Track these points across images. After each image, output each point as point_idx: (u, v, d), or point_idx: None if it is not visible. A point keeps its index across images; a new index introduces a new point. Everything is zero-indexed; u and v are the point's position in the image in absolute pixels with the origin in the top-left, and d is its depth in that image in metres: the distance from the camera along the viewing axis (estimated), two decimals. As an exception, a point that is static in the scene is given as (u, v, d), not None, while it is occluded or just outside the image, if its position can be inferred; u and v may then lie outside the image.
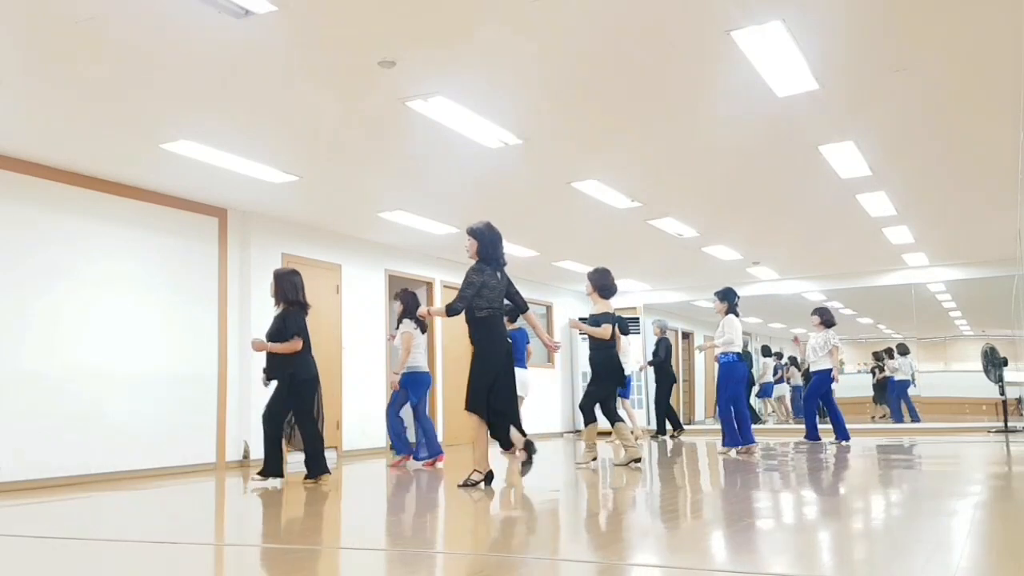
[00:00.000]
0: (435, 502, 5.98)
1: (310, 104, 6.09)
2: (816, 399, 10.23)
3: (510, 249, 10.41)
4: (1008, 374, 12.59)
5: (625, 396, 11.71)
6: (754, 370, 15.03)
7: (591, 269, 7.73)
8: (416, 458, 8.25)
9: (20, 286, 7.02)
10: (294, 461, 7.80)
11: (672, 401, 12.75)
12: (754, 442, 8.73)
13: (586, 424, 7.74)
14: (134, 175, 7.70)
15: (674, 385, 12.91)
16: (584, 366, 8.43)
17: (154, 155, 7.00)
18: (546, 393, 14.40)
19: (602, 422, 7.80)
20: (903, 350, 14.87)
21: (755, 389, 15.35)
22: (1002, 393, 12.50)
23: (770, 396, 16.52)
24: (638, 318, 15.15)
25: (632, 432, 8.30)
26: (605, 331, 7.44)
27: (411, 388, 8.11)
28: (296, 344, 6.59)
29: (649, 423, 13.74)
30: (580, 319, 8.03)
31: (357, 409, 10.14)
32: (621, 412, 8.56)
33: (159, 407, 8.02)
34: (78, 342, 7.42)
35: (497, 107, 6.23)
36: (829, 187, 8.64)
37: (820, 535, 4.08)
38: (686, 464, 8.50)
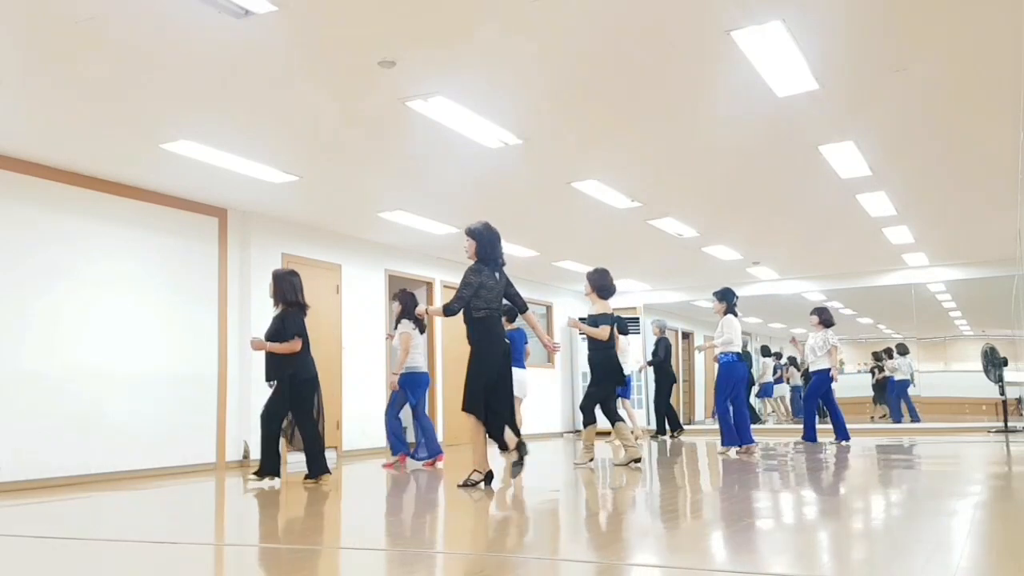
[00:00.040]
0: (435, 502, 5.98)
1: (310, 104, 6.09)
2: (816, 399, 10.23)
3: (510, 249, 10.42)
4: (1008, 374, 12.59)
5: (626, 396, 11.71)
6: (754, 370, 15.03)
7: (590, 269, 7.74)
8: (416, 458, 8.25)
9: (20, 286, 7.02)
10: (295, 461, 7.81)
11: (672, 401, 12.74)
12: (754, 442, 8.73)
13: (586, 425, 7.74)
14: (134, 175, 7.70)
15: (674, 385, 12.90)
16: (584, 366, 8.44)
17: (154, 155, 7.00)
18: (546, 393, 14.40)
19: (602, 422, 7.81)
20: (902, 350, 14.87)
21: (755, 389, 15.35)
22: (1002, 393, 12.50)
23: (771, 396, 16.53)
24: (638, 318, 15.15)
25: (632, 432, 8.31)
26: (603, 332, 7.45)
27: (409, 388, 8.11)
28: (296, 345, 6.59)
29: (649, 423, 13.74)
30: (580, 319, 8.03)
31: (357, 409, 10.14)
32: (621, 412, 8.57)
33: (159, 407, 8.02)
34: (78, 342, 7.42)
35: (497, 107, 6.23)
36: (829, 187, 8.64)
37: (820, 535, 4.08)
38: (686, 464, 8.50)
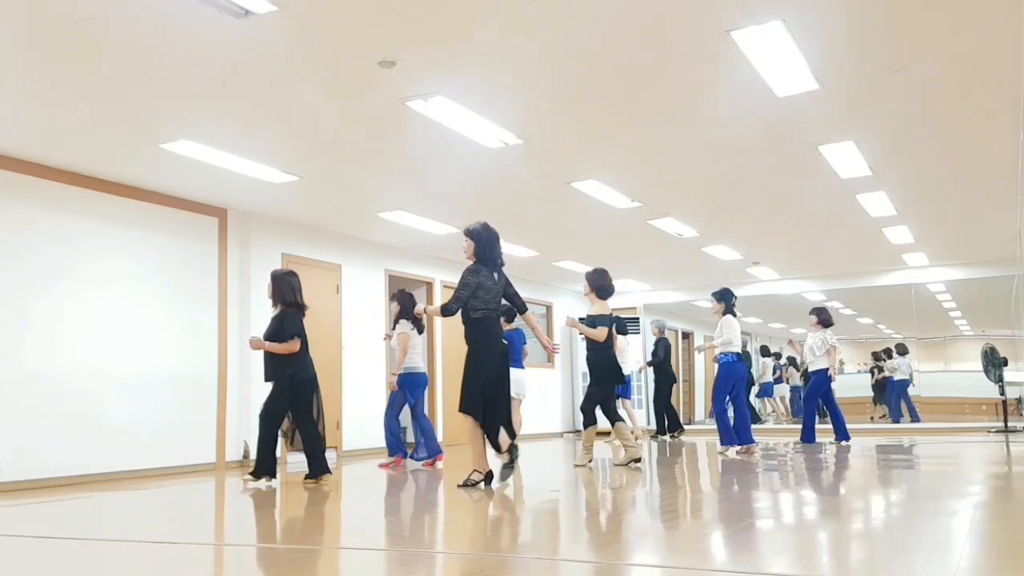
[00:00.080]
0: (435, 502, 5.98)
1: (310, 104, 6.09)
2: (816, 399, 10.22)
3: (510, 249, 10.43)
4: (1008, 374, 12.59)
5: (626, 396, 11.71)
6: (753, 370, 15.03)
7: (589, 269, 7.74)
8: (415, 458, 8.25)
9: (20, 286, 7.02)
10: (295, 461, 7.81)
11: (672, 401, 12.74)
12: (754, 442, 8.73)
13: (586, 426, 7.74)
14: (134, 175, 7.70)
15: (674, 385, 12.90)
16: (584, 366, 8.44)
17: (154, 155, 7.00)
18: (546, 393, 14.40)
19: (602, 422, 7.81)
20: (902, 350, 14.87)
21: (755, 389, 15.35)
22: (1002, 393, 12.50)
23: (771, 396, 16.53)
24: (638, 318, 15.16)
25: (632, 432, 8.31)
26: (600, 333, 7.46)
27: (408, 389, 8.11)
28: (294, 345, 6.59)
29: (649, 423, 13.74)
30: (580, 319, 8.04)
31: (357, 409, 10.14)
32: (622, 412, 8.57)
33: (159, 407, 8.02)
34: (78, 342, 7.42)
35: (497, 107, 6.23)
36: (829, 187, 8.64)
37: (820, 535, 4.08)
38: (686, 464, 8.50)
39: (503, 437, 5.97)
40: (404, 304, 8.19)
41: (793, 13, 4.86)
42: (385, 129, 6.62)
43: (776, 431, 13.88)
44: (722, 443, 8.67)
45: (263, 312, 7.85)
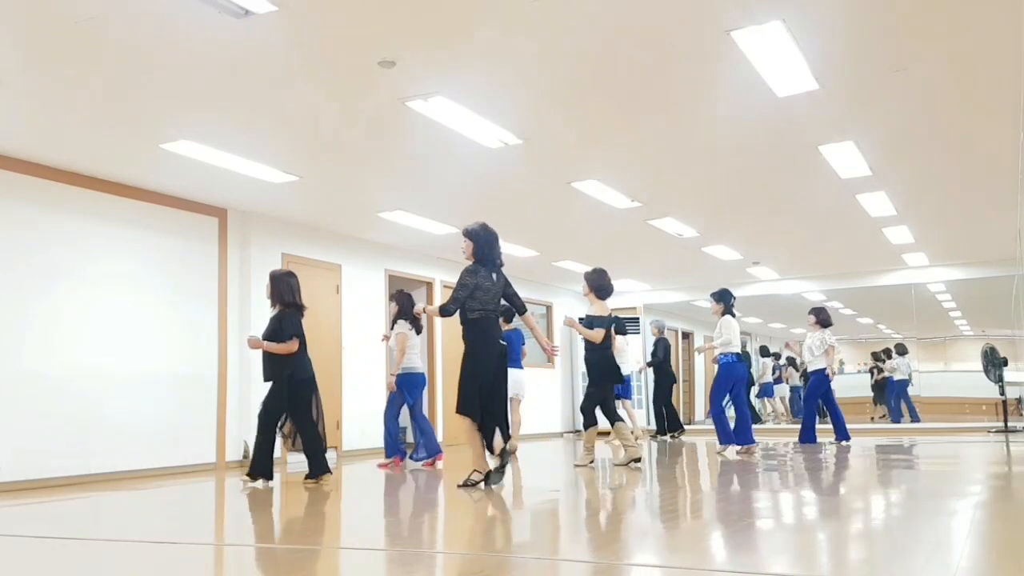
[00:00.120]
0: (435, 502, 5.98)
1: (310, 104, 6.09)
2: (816, 400, 10.21)
3: (510, 249, 10.43)
4: (1008, 374, 12.59)
5: (627, 396, 11.70)
6: (753, 370, 15.03)
7: (589, 269, 7.75)
8: (415, 459, 8.24)
9: (20, 286, 7.02)
10: (295, 461, 7.81)
11: (672, 401, 12.74)
12: (754, 443, 8.73)
13: (586, 427, 7.74)
14: (134, 175, 7.70)
15: (674, 385, 12.90)
16: (584, 366, 8.44)
17: (154, 155, 7.00)
18: (546, 393, 14.40)
19: (602, 422, 7.81)
20: (901, 350, 14.87)
21: (755, 390, 15.35)
22: (1002, 393, 12.50)
23: (771, 396, 16.52)
24: (638, 318, 15.16)
25: (632, 432, 8.31)
26: (596, 335, 7.47)
27: (406, 389, 8.11)
28: (292, 346, 6.60)
29: (649, 423, 13.74)
30: (579, 319, 8.04)
31: (357, 409, 10.14)
32: (621, 412, 8.56)
33: (159, 407, 8.02)
34: (78, 342, 7.42)
35: (497, 107, 6.23)
36: (829, 187, 8.64)
37: (820, 535, 4.08)
38: (686, 464, 8.50)
39: (497, 440, 5.95)
40: (402, 304, 8.19)
41: (793, 13, 4.86)
42: (385, 129, 6.62)
43: (776, 431, 13.88)
44: (720, 443, 8.68)
45: (263, 312, 7.83)
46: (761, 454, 8.59)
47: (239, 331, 8.84)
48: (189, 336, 8.44)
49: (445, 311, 5.93)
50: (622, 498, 5.77)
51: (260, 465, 6.62)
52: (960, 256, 13.23)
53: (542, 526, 4.73)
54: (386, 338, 8.53)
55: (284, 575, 3.39)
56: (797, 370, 16.12)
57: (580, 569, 3.37)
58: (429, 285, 11.87)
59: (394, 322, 8.24)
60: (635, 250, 11.82)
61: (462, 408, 5.90)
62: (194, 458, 8.33)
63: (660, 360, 12.25)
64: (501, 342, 6.05)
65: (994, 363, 12.60)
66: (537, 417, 13.25)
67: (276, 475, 6.91)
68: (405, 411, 8.26)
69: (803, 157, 7.68)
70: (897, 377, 14.62)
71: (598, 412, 7.67)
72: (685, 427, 12.73)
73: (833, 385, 10.06)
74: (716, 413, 8.79)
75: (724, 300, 8.86)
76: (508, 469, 6.20)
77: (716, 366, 8.94)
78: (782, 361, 16.82)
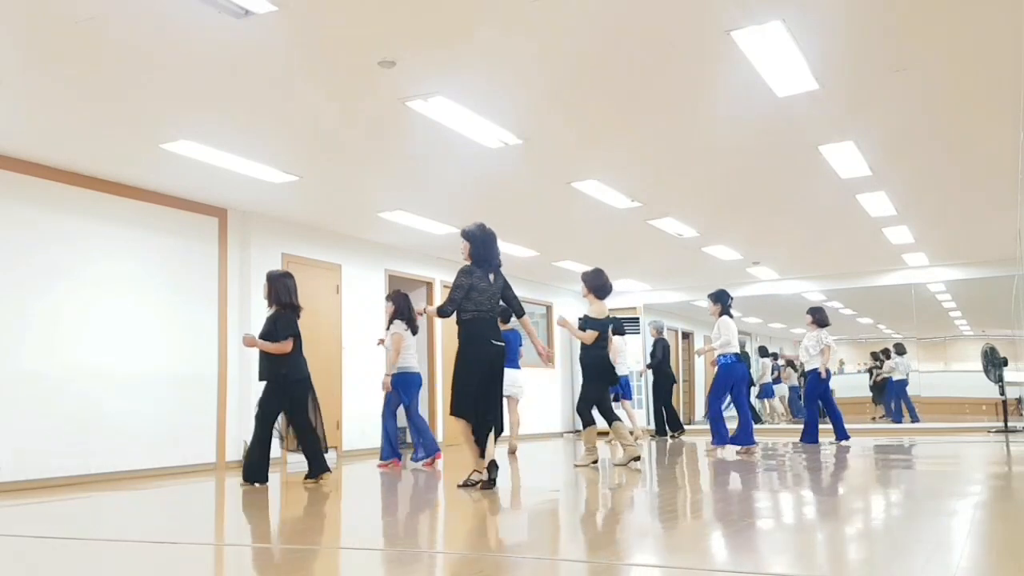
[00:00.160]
0: (434, 502, 5.98)
1: (310, 104, 6.09)
2: (815, 400, 10.20)
3: (510, 249, 10.44)
4: (1008, 374, 12.59)
5: (627, 397, 11.70)
6: (753, 370, 15.03)
7: (587, 269, 7.76)
8: (414, 459, 8.24)
9: (20, 286, 7.02)
10: (295, 461, 7.80)
11: (672, 401, 12.74)
12: (755, 443, 8.73)
13: (584, 427, 7.73)
14: (134, 175, 7.70)
15: (674, 385, 12.90)
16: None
17: (154, 155, 7.00)
18: (545, 393, 14.39)
19: (601, 422, 7.81)
20: (900, 350, 14.87)
21: (755, 390, 15.35)
22: (1002, 393, 12.50)
23: (772, 396, 16.52)
24: (638, 318, 15.16)
25: (632, 432, 8.31)
26: (587, 336, 7.49)
27: (402, 389, 8.12)
28: (287, 346, 6.60)
29: (649, 423, 13.74)
30: (579, 319, 8.04)
31: (357, 409, 10.13)
32: (620, 412, 8.56)
33: (159, 407, 8.02)
34: (78, 342, 7.42)
35: (497, 107, 6.23)
36: (829, 187, 8.64)
37: (820, 535, 4.08)
38: (686, 464, 8.50)
39: (489, 449, 5.88)
40: (398, 304, 8.21)
41: (793, 13, 4.86)
42: (385, 129, 6.62)
43: (776, 431, 13.88)
44: (713, 442, 8.68)
45: (263, 312, 7.82)
46: (761, 454, 8.59)
47: (239, 331, 8.81)
48: (189, 336, 8.44)
49: (442, 312, 5.92)
50: (622, 498, 5.77)
51: (255, 469, 6.58)
52: (960, 256, 13.23)
53: (542, 526, 4.73)
54: (381, 342, 8.53)
55: (284, 575, 3.39)
56: (796, 370, 16.11)
57: (580, 569, 3.37)
58: (429, 285, 11.87)
59: (390, 322, 8.25)
60: (635, 250, 11.82)
61: (455, 410, 5.89)
62: (194, 458, 8.33)
63: (659, 360, 12.26)
64: (498, 342, 5.97)
65: (994, 363, 12.60)
66: (537, 417, 13.25)
67: (276, 475, 6.90)
68: (402, 411, 8.25)
69: (803, 157, 7.68)
70: (896, 377, 14.63)
71: (596, 413, 7.67)
72: (685, 427, 12.73)
73: (832, 385, 10.06)
74: (714, 414, 8.79)
75: (721, 301, 8.86)
76: (507, 469, 6.19)
77: (715, 368, 8.94)
78: (780, 361, 16.82)
